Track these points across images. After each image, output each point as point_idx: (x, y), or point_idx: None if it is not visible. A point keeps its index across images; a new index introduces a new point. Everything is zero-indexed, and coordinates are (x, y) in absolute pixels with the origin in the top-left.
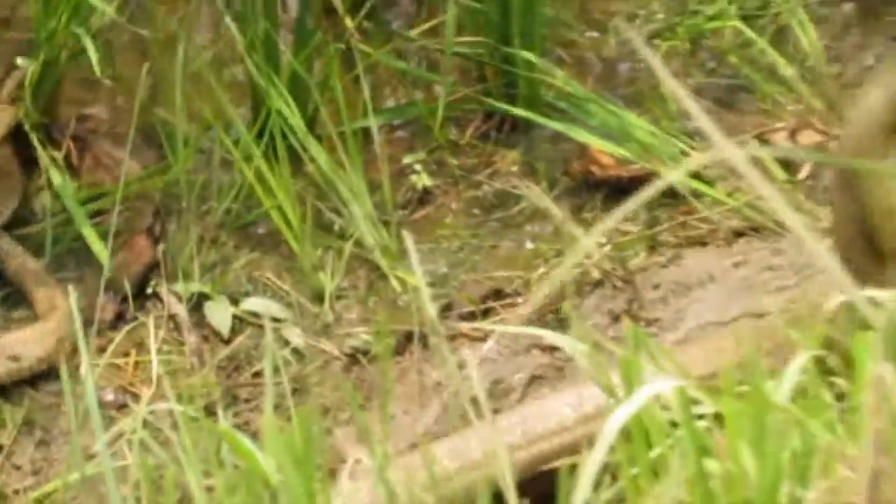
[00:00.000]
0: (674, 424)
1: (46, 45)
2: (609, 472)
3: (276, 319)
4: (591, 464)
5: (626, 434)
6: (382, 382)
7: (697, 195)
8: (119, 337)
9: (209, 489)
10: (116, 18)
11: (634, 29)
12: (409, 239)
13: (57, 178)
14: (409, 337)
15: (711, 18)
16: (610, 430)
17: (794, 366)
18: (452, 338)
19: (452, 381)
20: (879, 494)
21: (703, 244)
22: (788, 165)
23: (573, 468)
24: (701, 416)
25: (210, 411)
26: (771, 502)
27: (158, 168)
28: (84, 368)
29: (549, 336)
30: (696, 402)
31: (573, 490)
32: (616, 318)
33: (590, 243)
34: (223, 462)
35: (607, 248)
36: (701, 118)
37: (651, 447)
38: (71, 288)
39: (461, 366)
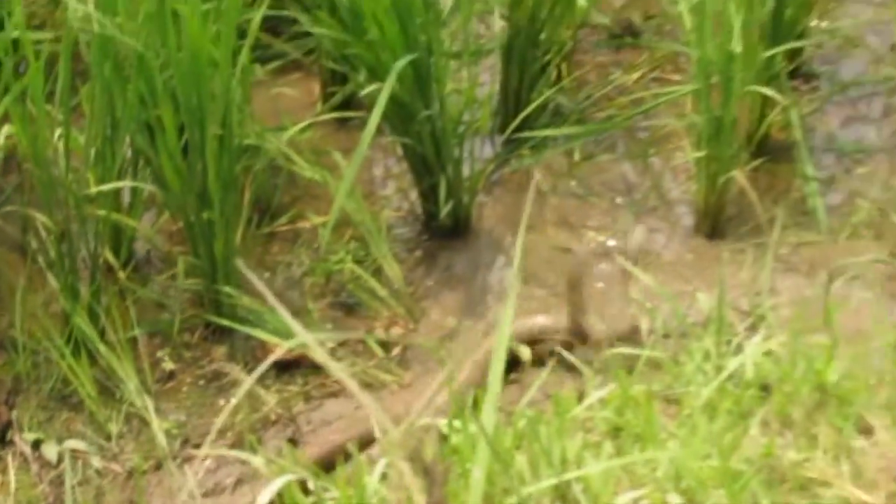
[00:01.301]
0: None
1: None
2: None
3: (83, 451)
4: None
5: None
6: (143, 488)
7: (318, 368)
8: None
9: None
10: None
11: (291, 271)
12: (150, 402)
13: None
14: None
15: (336, 263)
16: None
17: (381, 464)
18: (188, 459)
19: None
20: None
21: (336, 396)
22: (386, 347)
23: None
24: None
25: None
26: None
27: (9, 363)
28: None
29: (245, 456)
30: (327, 489)
31: None
32: (287, 441)
33: (269, 398)
34: None
35: (278, 400)
36: (292, 324)
37: None
38: None
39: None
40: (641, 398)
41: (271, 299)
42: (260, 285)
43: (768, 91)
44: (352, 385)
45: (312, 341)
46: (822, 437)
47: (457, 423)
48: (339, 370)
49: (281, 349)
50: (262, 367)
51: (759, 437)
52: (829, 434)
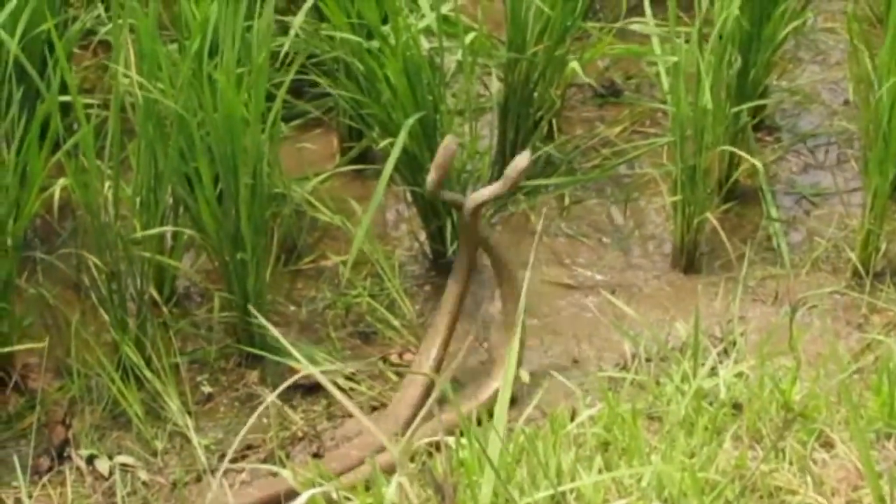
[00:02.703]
0: None
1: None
2: None
3: (132, 466)
4: None
5: None
6: (185, 498)
7: (341, 389)
8: (49, 478)
9: None
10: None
11: (315, 304)
12: (191, 422)
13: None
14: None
15: (355, 297)
16: None
17: (395, 481)
18: (226, 472)
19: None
20: None
21: (350, 417)
22: (399, 372)
23: None
24: None
25: None
26: None
27: (66, 387)
28: (23, 494)
29: (274, 469)
30: (349, 498)
31: None
32: (312, 456)
33: (296, 417)
34: None
35: (304, 419)
36: (301, 360)
37: None
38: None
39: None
40: (627, 416)
41: (285, 343)
42: (275, 332)
43: (735, 150)
44: (353, 409)
45: (319, 374)
46: (789, 450)
47: (464, 441)
48: (340, 395)
49: (298, 375)
50: (282, 386)
51: (732, 450)
52: (794, 447)
